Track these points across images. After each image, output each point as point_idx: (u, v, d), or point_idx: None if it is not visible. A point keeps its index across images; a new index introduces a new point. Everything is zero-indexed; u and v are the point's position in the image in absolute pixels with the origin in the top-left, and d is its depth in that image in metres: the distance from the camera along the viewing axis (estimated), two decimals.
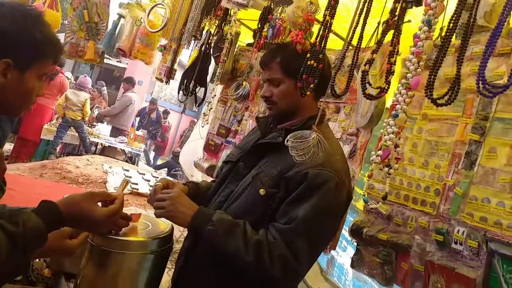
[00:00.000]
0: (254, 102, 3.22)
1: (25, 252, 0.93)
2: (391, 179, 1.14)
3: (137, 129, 8.68)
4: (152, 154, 11.76)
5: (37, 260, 1.62)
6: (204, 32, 3.38)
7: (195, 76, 3.34)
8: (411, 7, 1.08)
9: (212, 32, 3.36)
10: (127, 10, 4.30)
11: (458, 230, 1.61)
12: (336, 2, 1.32)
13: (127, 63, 12.72)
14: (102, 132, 7.71)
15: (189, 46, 3.43)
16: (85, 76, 7.57)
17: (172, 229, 1.41)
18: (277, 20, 2.33)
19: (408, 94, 1.05)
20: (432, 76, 1.01)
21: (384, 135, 1.08)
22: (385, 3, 1.20)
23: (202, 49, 3.37)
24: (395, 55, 1.09)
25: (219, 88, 3.57)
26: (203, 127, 3.67)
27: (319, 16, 1.45)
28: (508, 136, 1.54)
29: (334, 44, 2.46)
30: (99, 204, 1.15)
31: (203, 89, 3.53)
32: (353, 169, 2.17)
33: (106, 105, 9.41)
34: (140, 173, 4.80)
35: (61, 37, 3.91)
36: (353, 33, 1.24)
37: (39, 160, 6.00)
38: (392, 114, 1.06)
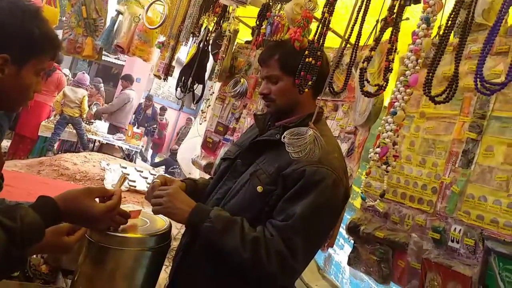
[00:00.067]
0: (252, 100, 3.22)
1: (22, 247, 0.93)
2: (388, 176, 1.14)
3: (133, 126, 8.65)
4: (149, 152, 11.75)
5: (34, 256, 1.62)
6: (202, 29, 3.37)
7: (193, 73, 3.33)
8: (410, 5, 1.08)
9: (210, 29, 3.35)
10: (126, 7, 4.29)
11: (455, 228, 1.61)
12: None
13: (125, 60, 12.68)
14: (99, 129, 7.70)
15: (187, 43, 3.42)
16: (83, 73, 7.56)
17: (170, 226, 1.41)
18: (275, 18, 2.32)
19: (406, 91, 1.05)
20: (430, 74, 1.01)
21: (382, 133, 1.08)
22: (384, 0, 1.20)
23: (200, 46, 3.36)
24: (393, 53, 1.09)
25: (217, 85, 3.57)
26: (200, 124, 3.66)
27: (318, 14, 1.45)
28: (505, 134, 1.54)
29: (332, 42, 2.46)
30: (97, 200, 1.15)
31: (201, 86, 3.52)
32: (350, 167, 2.17)
33: (103, 102, 9.39)
34: (137, 171, 4.80)
35: (59, 33, 3.90)
36: (351, 31, 1.23)
37: (36, 157, 5.99)
38: (391, 111, 1.07)
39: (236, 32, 3.35)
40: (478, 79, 0.94)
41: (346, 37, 1.25)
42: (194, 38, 3.41)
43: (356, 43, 1.24)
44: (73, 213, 1.07)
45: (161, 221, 1.42)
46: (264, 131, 1.53)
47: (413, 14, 1.68)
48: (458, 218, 1.62)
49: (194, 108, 12.83)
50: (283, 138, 1.23)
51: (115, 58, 12.47)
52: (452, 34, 1.03)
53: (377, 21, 1.17)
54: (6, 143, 6.43)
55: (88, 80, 7.62)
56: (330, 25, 1.34)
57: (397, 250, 1.86)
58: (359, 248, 2.05)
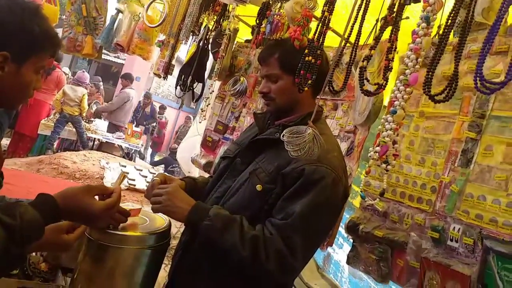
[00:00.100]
0: (252, 99, 3.22)
1: (22, 245, 0.93)
2: (388, 175, 1.14)
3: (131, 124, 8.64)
4: (149, 151, 11.74)
5: (33, 254, 1.62)
6: (202, 28, 3.37)
7: (192, 72, 3.33)
8: (409, 4, 1.08)
9: (210, 28, 3.35)
10: (125, 5, 4.29)
11: (454, 228, 1.62)
12: None
13: (124, 59, 12.67)
14: (99, 128, 7.70)
15: (187, 41, 3.42)
16: (83, 72, 7.56)
17: (170, 224, 1.41)
18: (275, 16, 2.32)
19: (406, 90, 1.05)
20: (430, 73, 1.02)
21: (382, 132, 1.09)
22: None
23: (200, 44, 3.36)
24: (393, 52, 1.09)
25: (217, 84, 3.56)
26: (200, 123, 3.66)
27: (317, 13, 1.45)
28: (504, 134, 1.54)
29: (332, 41, 2.46)
30: (96, 197, 1.15)
31: (200, 85, 3.52)
32: (350, 167, 2.17)
33: (103, 101, 9.39)
34: (137, 169, 4.80)
35: (59, 31, 3.90)
36: (351, 30, 1.24)
37: (36, 155, 6.00)
38: (391, 110, 1.07)
39: (236, 31, 3.35)
40: (478, 78, 0.94)
41: (346, 36, 1.25)
42: (194, 36, 3.41)
43: (356, 42, 1.24)
44: (72, 210, 1.07)
45: (161, 220, 1.42)
46: (263, 130, 1.53)
47: (413, 14, 1.69)
48: (457, 217, 1.62)
49: (194, 107, 12.83)
50: (282, 136, 1.24)
51: (115, 57, 12.46)
52: (451, 34, 1.03)
53: (377, 20, 1.17)
54: (5, 142, 6.43)
55: (88, 79, 7.63)
56: (330, 25, 1.34)
57: (396, 249, 1.86)
58: (358, 247, 2.05)
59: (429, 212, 1.75)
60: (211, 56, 3.46)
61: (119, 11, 4.34)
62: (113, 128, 7.83)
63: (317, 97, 1.45)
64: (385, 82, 1.12)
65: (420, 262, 1.70)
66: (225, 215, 1.32)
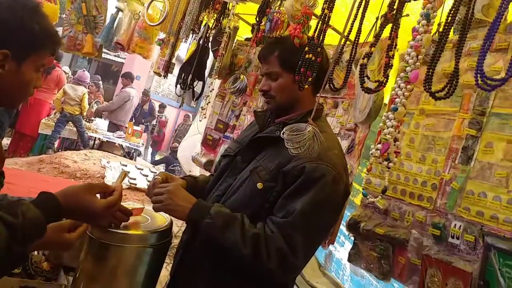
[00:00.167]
0: (252, 97, 3.22)
1: (24, 243, 0.93)
2: (389, 173, 1.14)
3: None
4: (149, 150, 11.75)
5: (35, 253, 1.62)
6: (202, 26, 3.36)
7: (193, 70, 3.33)
8: (409, 1, 1.08)
9: (210, 26, 3.35)
10: (125, 4, 4.28)
11: (455, 225, 1.62)
12: None
13: (124, 58, 12.67)
14: (100, 127, 7.70)
15: (187, 39, 3.42)
16: (84, 71, 7.55)
17: (171, 223, 1.41)
18: (274, 14, 2.32)
19: (407, 87, 1.05)
20: (431, 70, 1.02)
21: (384, 129, 1.08)
22: None
23: (200, 43, 3.36)
24: (393, 49, 1.09)
25: (217, 82, 3.56)
26: (200, 121, 3.66)
27: (317, 11, 1.45)
28: (504, 131, 1.55)
29: (332, 39, 2.46)
30: (98, 195, 1.16)
31: (200, 83, 3.51)
32: (351, 164, 2.18)
33: (103, 100, 9.39)
34: (138, 168, 4.80)
35: (59, 30, 3.90)
36: (351, 27, 1.24)
37: (37, 154, 6.00)
38: (391, 107, 1.07)
39: (236, 29, 3.34)
40: (478, 75, 0.94)
41: (345, 34, 1.25)
42: (194, 35, 3.40)
43: (356, 39, 1.24)
44: (74, 209, 1.07)
45: (162, 218, 1.43)
46: (264, 128, 1.53)
47: (413, 11, 1.69)
48: (458, 215, 1.63)
49: (194, 106, 12.82)
50: (282, 134, 1.24)
51: (115, 56, 12.46)
52: (451, 31, 1.03)
53: (377, 18, 1.17)
54: (6, 141, 6.43)
55: (89, 78, 7.63)
56: (330, 22, 1.34)
57: (397, 247, 1.86)
58: (359, 244, 2.06)
59: (430, 209, 1.75)
60: (211, 54, 3.46)
61: (119, 9, 4.34)
62: (113, 127, 7.83)
63: (317, 95, 1.46)
64: (385, 79, 1.12)
65: (421, 259, 1.70)
66: (226, 213, 1.32)
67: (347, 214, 2.20)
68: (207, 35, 3.35)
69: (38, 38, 1.04)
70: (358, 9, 1.21)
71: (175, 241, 1.64)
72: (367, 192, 2.02)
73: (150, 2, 3.73)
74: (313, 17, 1.51)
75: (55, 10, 3.88)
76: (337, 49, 1.31)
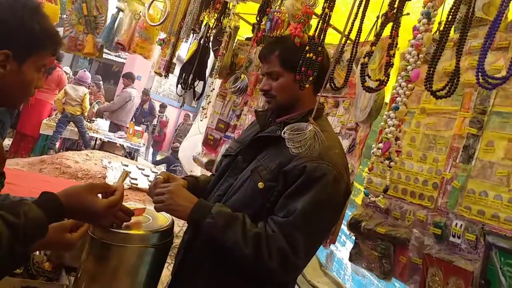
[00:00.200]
0: (253, 97, 3.22)
1: (26, 243, 0.93)
2: (391, 172, 1.14)
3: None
4: (150, 150, 11.75)
5: (37, 253, 1.63)
6: (203, 26, 3.37)
7: (194, 70, 3.33)
8: (410, 0, 1.08)
9: (211, 26, 3.35)
10: (126, 4, 4.28)
11: (456, 224, 1.62)
12: None
13: (125, 58, 12.68)
14: (101, 127, 7.71)
15: (188, 39, 3.42)
16: (85, 71, 7.56)
17: (173, 223, 1.41)
18: (275, 13, 2.32)
19: (408, 86, 1.05)
20: (432, 69, 1.01)
21: (385, 128, 1.08)
22: None
23: (201, 42, 3.36)
24: (394, 48, 1.09)
25: (217, 82, 3.57)
26: (201, 121, 3.66)
27: (318, 10, 1.45)
28: (505, 129, 1.55)
29: (332, 39, 2.46)
30: (99, 195, 1.16)
31: (201, 83, 3.52)
32: (352, 164, 2.18)
33: (104, 100, 9.40)
34: (139, 168, 4.81)
35: (60, 31, 3.90)
36: (352, 26, 1.24)
37: (38, 155, 6.00)
38: (393, 106, 1.07)
39: (236, 28, 3.34)
40: (479, 74, 0.94)
41: (346, 33, 1.25)
42: (194, 34, 3.41)
43: (357, 39, 1.24)
44: (75, 208, 1.08)
45: (164, 218, 1.43)
46: (265, 128, 1.53)
47: (413, 10, 1.69)
48: (459, 214, 1.62)
49: (195, 105, 12.82)
50: (283, 133, 1.24)
51: (116, 56, 12.47)
52: (452, 30, 1.03)
53: (378, 17, 1.17)
54: (7, 142, 6.44)
55: (90, 78, 7.63)
56: (331, 22, 1.34)
57: (398, 246, 1.86)
58: (360, 244, 2.06)
59: (431, 208, 1.75)
60: (212, 54, 3.46)
61: (119, 9, 4.34)
62: (114, 127, 7.84)
63: (318, 94, 1.46)
64: (386, 78, 1.12)
65: (422, 259, 1.70)
66: (227, 213, 1.32)
67: (348, 213, 2.20)
68: (208, 34, 3.35)
69: (39, 38, 1.04)
70: (358, 8, 1.21)
71: (177, 241, 1.64)
72: (369, 191, 2.02)
73: (151, 2, 3.73)
74: (313, 16, 1.51)
75: (56, 11, 3.88)
76: (338, 48, 1.31)
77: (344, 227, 2.27)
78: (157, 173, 4.65)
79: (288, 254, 1.25)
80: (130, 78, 8.17)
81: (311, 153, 1.21)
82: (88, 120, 7.46)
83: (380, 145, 1.09)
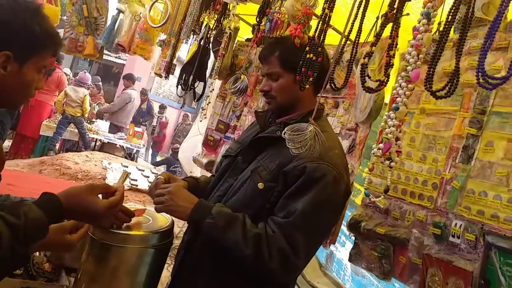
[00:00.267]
0: (253, 98, 3.22)
1: (26, 244, 0.93)
2: (391, 172, 1.14)
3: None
4: (149, 151, 11.75)
5: (37, 254, 1.63)
6: (203, 27, 3.37)
7: (194, 71, 3.34)
8: (410, 0, 1.09)
9: (211, 27, 3.36)
10: (126, 5, 4.29)
11: (456, 224, 1.62)
12: None
13: (125, 59, 12.68)
14: (101, 129, 7.71)
15: (188, 40, 3.43)
16: (85, 72, 7.56)
17: (173, 223, 1.41)
18: (274, 14, 2.32)
19: (408, 86, 1.05)
20: (431, 69, 1.02)
21: (385, 128, 1.09)
22: None
23: (201, 43, 3.37)
24: (394, 48, 1.10)
25: (217, 82, 3.57)
26: (201, 121, 3.66)
27: (318, 11, 1.45)
28: (505, 130, 1.55)
29: (332, 39, 2.46)
30: (100, 196, 1.16)
31: (201, 84, 3.52)
32: (352, 164, 2.18)
33: (104, 102, 9.40)
34: (139, 169, 4.81)
35: (60, 32, 3.90)
36: (352, 27, 1.24)
37: (38, 156, 6.00)
38: (393, 107, 1.07)
39: (236, 29, 3.35)
40: (479, 74, 0.95)
41: (346, 34, 1.25)
42: (194, 35, 3.41)
43: (357, 39, 1.24)
44: (76, 209, 1.08)
45: (164, 219, 1.43)
46: (265, 128, 1.53)
47: (413, 10, 1.69)
48: (459, 214, 1.63)
49: (195, 106, 12.83)
50: (284, 134, 1.24)
51: (116, 57, 12.47)
52: (452, 30, 1.04)
53: (378, 17, 1.17)
54: (7, 143, 6.44)
55: (90, 80, 7.63)
56: (330, 22, 1.34)
57: (398, 246, 1.87)
58: (360, 244, 2.06)
59: (431, 208, 1.75)
60: (212, 55, 3.46)
61: (120, 11, 4.34)
62: (114, 128, 7.84)
63: (318, 94, 1.46)
64: (386, 78, 1.12)
65: (422, 259, 1.71)
66: (228, 213, 1.32)
67: (348, 214, 2.20)
68: (208, 35, 3.36)
69: (39, 40, 1.05)
70: (358, 9, 1.21)
71: (176, 242, 1.65)
72: (369, 192, 2.02)
73: (152, 4, 3.74)
74: (313, 17, 1.51)
75: (56, 12, 3.89)
76: (338, 49, 1.31)
77: (343, 227, 2.28)
78: (157, 174, 4.65)
79: (288, 254, 1.25)
80: (130, 79, 8.17)
81: (311, 154, 1.21)
82: (88, 121, 7.46)
83: (381, 145, 1.09)
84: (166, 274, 1.53)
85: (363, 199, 2.15)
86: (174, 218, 1.41)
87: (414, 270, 1.76)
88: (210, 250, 1.37)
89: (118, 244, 1.25)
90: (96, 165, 4.74)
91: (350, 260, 2.12)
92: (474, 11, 1.02)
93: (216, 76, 3.34)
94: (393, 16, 1.09)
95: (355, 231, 2.06)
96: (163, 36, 3.90)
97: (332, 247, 2.57)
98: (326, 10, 1.32)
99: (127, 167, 4.87)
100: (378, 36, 1.14)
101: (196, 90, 3.51)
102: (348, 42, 1.33)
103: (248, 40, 3.53)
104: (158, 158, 11.10)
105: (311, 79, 1.31)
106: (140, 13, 4.22)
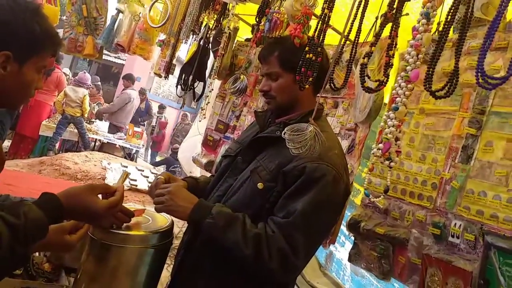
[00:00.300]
0: (252, 98, 3.23)
1: (26, 244, 0.93)
2: (390, 172, 1.14)
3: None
4: (149, 151, 11.75)
5: (37, 254, 1.63)
6: (202, 27, 3.37)
7: (194, 71, 3.34)
8: (409, 0, 1.09)
9: (210, 27, 3.36)
10: (126, 5, 4.29)
11: (455, 224, 1.62)
12: None
13: (125, 59, 12.68)
14: (100, 129, 7.71)
15: (187, 40, 3.43)
16: (84, 73, 7.55)
17: (172, 223, 1.41)
18: (274, 14, 2.32)
19: (407, 87, 1.05)
20: (431, 69, 1.02)
21: (385, 128, 1.09)
22: None
23: (201, 43, 3.37)
24: (393, 48, 1.10)
25: (216, 82, 3.57)
26: (200, 121, 3.66)
27: (317, 11, 1.45)
28: (504, 130, 1.55)
29: (332, 39, 2.46)
30: (100, 196, 1.16)
31: (201, 84, 3.52)
32: (351, 164, 2.18)
33: (103, 102, 9.39)
34: (138, 170, 4.81)
35: (60, 32, 3.90)
36: (351, 27, 1.24)
37: (37, 156, 6.00)
38: (392, 107, 1.07)
39: (236, 29, 3.35)
40: (479, 74, 0.95)
41: (345, 33, 1.26)
42: (194, 35, 3.41)
43: (356, 39, 1.24)
44: (76, 209, 1.08)
45: (163, 219, 1.43)
46: (264, 128, 1.53)
47: (412, 11, 1.69)
48: (458, 214, 1.63)
49: (194, 107, 12.83)
50: (284, 134, 1.24)
51: (115, 57, 12.47)
52: (451, 30, 1.04)
53: (377, 17, 1.18)
54: (6, 143, 6.43)
55: (90, 80, 7.63)
56: (330, 22, 1.34)
57: (397, 246, 1.87)
58: (359, 244, 2.06)
59: (430, 208, 1.75)
60: (212, 55, 3.46)
61: (119, 11, 4.34)
62: (114, 128, 7.84)
63: (318, 95, 1.46)
64: (386, 78, 1.12)
65: (421, 259, 1.71)
66: (228, 213, 1.32)
67: (348, 214, 2.20)
68: (208, 35, 3.36)
69: (39, 40, 1.05)
70: (358, 9, 1.21)
71: (176, 242, 1.65)
72: (369, 192, 2.02)
73: (152, 4, 3.74)
74: (313, 17, 1.52)
75: (56, 12, 3.89)
76: (337, 49, 1.31)
77: (343, 227, 2.28)
78: (156, 174, 4.65)
79: (288, 254, 1.25)
80: (130, 79, 8.17)
81: (311, 154, 1.21)
82: (88, 122, 7.46)
83: (380, 145, 1.09)
84: (166, 274, 1.53)
85: (363, 199, 2.15)
86: (174, 218, 1.41)
87: (414, 270, 1.76)
88: (210, 250, 1.37)
89: (117, 244, 1.25)
90: (96, 165, 4.74)
91: (349, 260, 2.12)
92: (473, 11, 1.02)
93: (215, 76, 3.34)
94: (393, 16, 1.09)
95: (355, 231, 2.06)
96: (162, 36, 3.90)
97: (331, 247, 2.57)
98: (326, 10, 1.32)
99: (126, 167, 4.88)
100: (377, 36, 1.14)
101: (195, 90, 3.51)
102: (348, 42, 1.33)
103: (247, 40, 3.53)
104: (158, 158, 11.09)
105: (310, 79, 1.31)
106: (140, 13, 4.22)
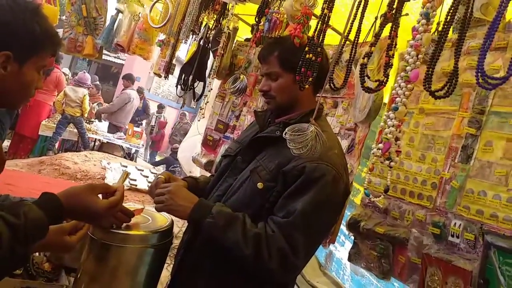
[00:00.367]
0: (252, 97, 3.23)
1: (26, 244, 0.93)
2: (391, 172, 1.14)
3: None
4: (148, 151, 11.74)
5: (37, 254, 1.63)
6: (202, 27, 3.37)
7: (193, 71, 3.34)
8: (409, 0, 1.09)
9: (210, 27, 3.36)
10: (125, 5, 4.29)
11: (455, 223, 1.62)
12: None
13: (124, 59, 12.68)
14: (100, 128, 7.71)
15: (187, 40, 3.43)
16: (84, 72, 7.55)
17: (172, 223, 1.42)
18: (273, 14, 2.33)
19: (407, 87, 1.05)
20: (430, 69, 1.02)
21: (385, 128, 1.09)
22: None
23: (201, 43, 3.37)
24: (393, 48, 1.10)
25: (216, 82, 3.57)
26: (199, 121, 3.66)
27: (317, 11, 1.45)
28: (504, 129, 1.55)
29: (332, 39, 2.46)
30: (100, 196, 1.16)
31: (201, 84, 3.52)
32: (351, 164, 2.18)
33: (103, 102, 9.39)
34: (138, 169, 4.81)
35: (59, 32, 3.90)
36: (351, 27, 1.24)
37: (37, 156, 6.00)
38: (392, 107, 1.07)
39: (235, 29, 3.35)
40: (479, 74, 0.95)
41: (345, 34, 1.26)
42: (194, 35, 3.41)
43: (356, 39, 1.25)
44: (76, 209, 1.08)
45: (163, 219, 1.43)
46: (264, 128, 1.53)
47: (412, 11, 1.69)
48: (458, 213, 1.63)
49: (194, 107, 12.82)
50: (285, 134, 1.24)
51: (115, 57, 12.47)
52: (451, 30, 1.04)
53: (377, 17, 1.18)
54: (6, 143, 6.43)
55: (89, 80, 7.62)
56: (330, 23, 1.34)
57: (397, 246, 1.87)
58: (359, 244, 2.06)
59: (430, 208, 1.76)
60: (211, 55, 3.46)
61: (119, 11, 4.34)
62: (113, 128, 7.83)
63: (318, 94, 1.46)
64: (385, 78, 1.12)
65: (421, 258, 1.71)
66: (228, 213, 1.32)
67: (347, 213, 2.21)
68: (207, 35, 3.36)
69: (39, 40, 1.05)
70: (357, 9, 1.21)
71: (176, 242, 1.65)
72: (369, 192, 2.02)
73: (153, 4, 3.74)
74: (312, 17, 1.52)
75: (55, 12, 3.89)
76: (337, 49, 1.31)
77: (343, 227, 2.28)
78: (156, 174, 4.65)
79: (288, 254, 1.25)
80: (129, 79, 8.17)
81: (312, 154, 1.21)
82: (88, 121, 7.46)
83: (380, 145, 1.09)
84: (165, 274, 1.53)
85: (362, 198, 2.15)
86: (173, 218, 1.41)
87: (414, 270, 1.76)
88: (210, 250, 1.38)
89: (117, 244, 1.25)
90: (95, 165, 4.74)
91: (349, 259, 2.12)
92: (472, 12, 1.02)
93: (215, 76, 3.34)
94: (392, 16, 1.09)
95: (355, 230, 2.06)
96: (162, 36, 3.90)
97: (331, 247, 2.57)
98: (326, 10, 1.32)
99: (126, 167, 4.88)
100: (377, 36, 1.14)
101: (195, 90, 3.51)
102: (348, 42, 1.33)
103: (247, 40, 3.53)
104: (157, 158, 11.10)
105: (310, 79, 1.32)
106: (139, 13, 4.22)
